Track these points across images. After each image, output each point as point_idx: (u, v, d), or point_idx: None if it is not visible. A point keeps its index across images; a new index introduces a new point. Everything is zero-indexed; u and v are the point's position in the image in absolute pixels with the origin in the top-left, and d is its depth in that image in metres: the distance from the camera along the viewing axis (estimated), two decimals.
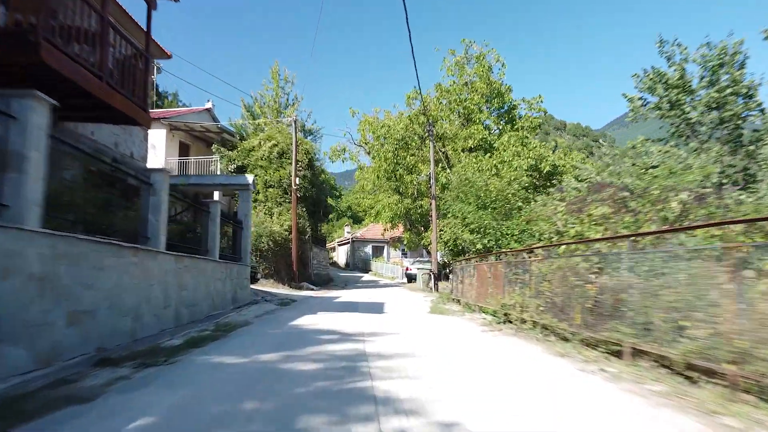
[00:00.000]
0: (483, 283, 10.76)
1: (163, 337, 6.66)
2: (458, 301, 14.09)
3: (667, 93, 12.70)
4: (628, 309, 5.00)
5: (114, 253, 6.48)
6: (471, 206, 17.01)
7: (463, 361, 5.23)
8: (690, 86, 12.73)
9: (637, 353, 4.78)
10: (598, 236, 7.49)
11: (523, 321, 7.63)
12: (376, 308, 12.84)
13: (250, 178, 14.27)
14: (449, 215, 18.63)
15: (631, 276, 5.06)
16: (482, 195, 17.33)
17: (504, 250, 10.75)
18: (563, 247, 7.53)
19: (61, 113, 8.99)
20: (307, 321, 9.20)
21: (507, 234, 16.07)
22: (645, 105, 13.51)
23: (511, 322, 8.30)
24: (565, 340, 6.11)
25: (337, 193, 66.11)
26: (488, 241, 16.04)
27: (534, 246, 8.95)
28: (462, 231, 16.99)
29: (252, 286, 18.34)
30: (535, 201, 12.42)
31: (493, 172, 23.23)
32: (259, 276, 18.59)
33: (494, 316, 9.04)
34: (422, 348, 6.06)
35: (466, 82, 31.86)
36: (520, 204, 17.48)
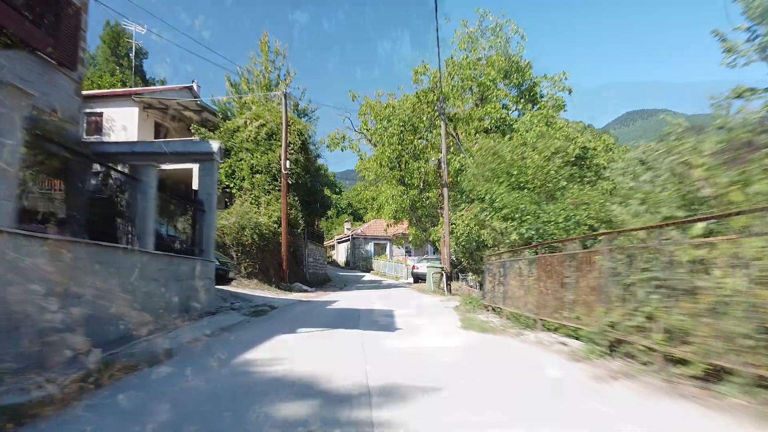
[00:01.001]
0: (549, 287, 7.07)
1: None
2: (495, 310, 10.41)
3: None
4: None
5: None
6: (502, 186, 13.29)
7: None
8: None
9: None
10: None
11: (680, 362, 3.94)
12: (385, 321, 9.15)
13: (215, 144, 10.56)
14: (471, 197, 14.91)
15: None
16: (516, 172, 13.63)
17: (602, 231, 6.76)
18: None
19: None
20: (273, 351, 5.49)
21: (549, 221, 12.42)
22: (755, 39, 9.75)
23: (632, 356, 4.62)
24: None
25: (337, 189, 62.20)
26: (526, 230, 12.35)
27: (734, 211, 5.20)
28: (491, 218, 13.27)
29: (227, 288, 14.66)
30: (607, 168, 8.72)
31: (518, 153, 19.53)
32: (231, 275, 14.84)
33: (588, 342, 5.36)
34: None
35: (480, 57, 28.08)
36: (564, 183, 13.76)
